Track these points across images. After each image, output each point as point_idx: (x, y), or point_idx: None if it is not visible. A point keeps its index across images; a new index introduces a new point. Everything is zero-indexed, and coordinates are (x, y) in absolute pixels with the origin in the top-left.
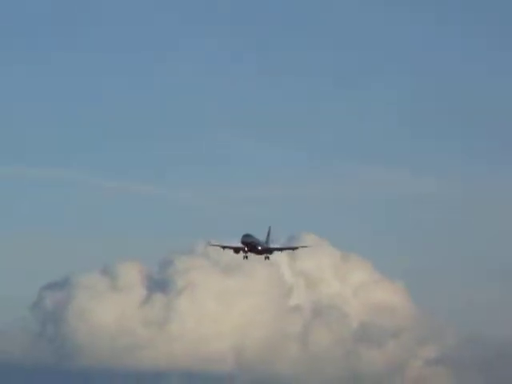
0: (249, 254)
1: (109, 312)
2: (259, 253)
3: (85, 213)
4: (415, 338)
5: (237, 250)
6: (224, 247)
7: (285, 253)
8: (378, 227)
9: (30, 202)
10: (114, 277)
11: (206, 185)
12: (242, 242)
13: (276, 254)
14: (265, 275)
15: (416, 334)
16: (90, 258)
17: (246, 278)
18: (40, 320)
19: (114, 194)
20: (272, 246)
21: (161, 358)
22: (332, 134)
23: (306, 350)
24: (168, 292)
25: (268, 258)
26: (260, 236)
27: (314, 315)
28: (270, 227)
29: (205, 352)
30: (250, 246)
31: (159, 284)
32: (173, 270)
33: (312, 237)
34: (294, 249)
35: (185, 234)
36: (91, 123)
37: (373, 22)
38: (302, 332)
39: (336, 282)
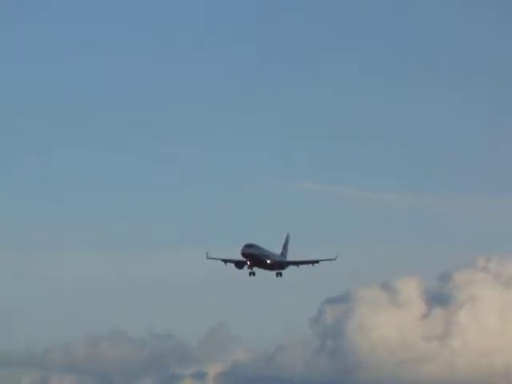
0: (255, 270)
1: (389, 326)
2: (268, 267)
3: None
4: None
5: (239, 265)
6: (224, 261)
7: None
8: None
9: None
10: (393, 291)
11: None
12: (243, 254)
13: None
14: None
15: None
16: (371, 272)
17: None
18: (320, 335)
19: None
20: (288, 259)
21: (442, 371)
22: None
23: None
24: (448, 306)
25: (280, 274)
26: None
27: None
28: (287, 235)
29: (487, 366)
30: (254, 258)
31: (439, 298)
32: (452, 284)
33: None
34: (313, 263)
35: (465, 248)
36: None
37: None
38: None
39: None
